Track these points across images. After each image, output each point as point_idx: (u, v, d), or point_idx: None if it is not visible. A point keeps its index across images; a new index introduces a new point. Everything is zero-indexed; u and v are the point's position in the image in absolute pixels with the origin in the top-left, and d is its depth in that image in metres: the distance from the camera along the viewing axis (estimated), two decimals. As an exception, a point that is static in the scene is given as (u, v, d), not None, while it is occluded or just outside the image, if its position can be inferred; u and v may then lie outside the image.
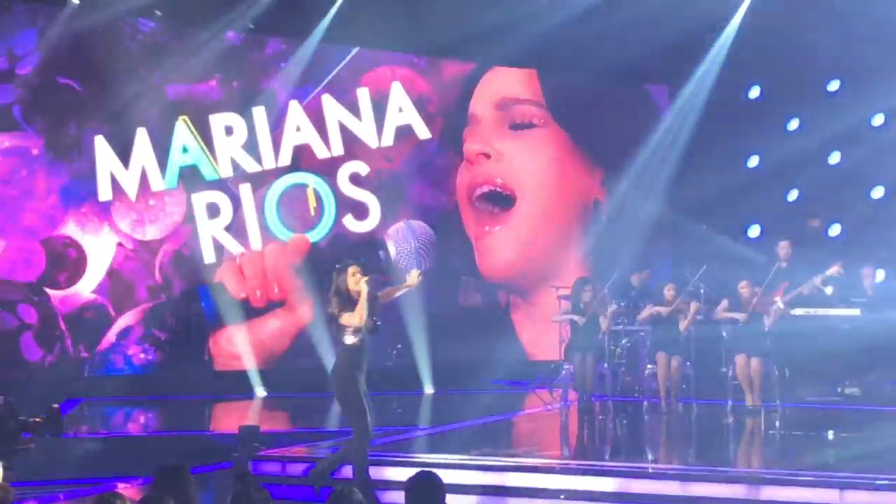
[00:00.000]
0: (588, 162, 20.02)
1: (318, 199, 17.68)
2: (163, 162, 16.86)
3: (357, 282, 9.78)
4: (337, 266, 10.01)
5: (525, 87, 19.67)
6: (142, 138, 16.66)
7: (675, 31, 17.60)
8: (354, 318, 9.77)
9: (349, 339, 9.84)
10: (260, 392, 16.66)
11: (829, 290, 15.62)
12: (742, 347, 14.13)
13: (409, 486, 5.98)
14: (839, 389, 15.56)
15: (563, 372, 15.18)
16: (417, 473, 6.11)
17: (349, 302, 9.82)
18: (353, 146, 18.05)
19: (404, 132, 18.40)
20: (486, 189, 19.20)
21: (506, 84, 19.54)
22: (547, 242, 19.49)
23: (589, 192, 20.01)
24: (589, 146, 19.77)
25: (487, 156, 19.19)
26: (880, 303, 15.68)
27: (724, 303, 14.64)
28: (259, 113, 17.35)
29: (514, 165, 19.40)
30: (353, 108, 18.10)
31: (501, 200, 19.31)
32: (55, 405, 7.88)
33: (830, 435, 13.06)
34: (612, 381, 15.31)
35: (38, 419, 7.81)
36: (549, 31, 17.95)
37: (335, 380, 10.04)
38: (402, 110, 18.39)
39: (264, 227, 17.36)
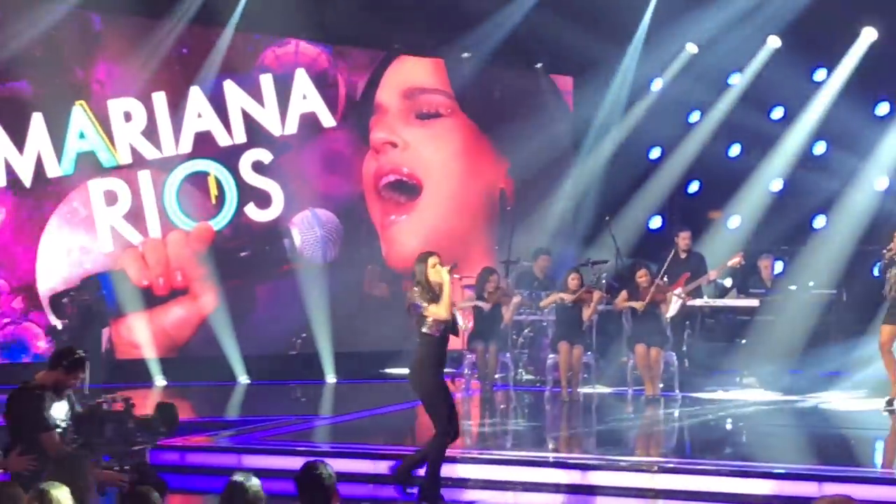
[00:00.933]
0: (494, 152, 20.04)
1: (220, 187, 17.49)
2: (59, 148, 16.55)
3: (438, 273, 9.43)
4: (418, 257, 9.68)
5: (432, 77, 19.64)
6: (37, 123, 16.33)
7: (584, 22, 17.71)
8: (441, 310, 9.32)
9: (430, 330, 9.42)
10: (160, 381, 16.47)
11: (728, 281, 15.82)
12: (642, 337, 14.25)
13: (300, 476, 5.94)
14: (737, 379, 15.75)
15: (466, 361, 15.22)
16: (307, 463, 6.08)
17: (431, 293, 9.41)
18: (255, 133, 17.88)
19: (308, 120, 18.28)
20: (392, 178, 19.15)
21: (413, 73, 19.48)
22: (453, 232, 19.47)
23: (495, 181, 20.04)
24: (496, 136, 19.79)
25: (394, 145, 19.14)
26: (778, 293, 15.91)
27: (624, 293, 14.76)
28: (159, 98, 17.12)
29: (420, 154, 19.37)
30: (256, 95, 17.87)
31: (407, 189, 19.27)
32: (167, 401, 8.20)
33: (728, 425, 13.21)
34: (514, 370, 15.36)
35: (151, 417, 8.02)
36: (457, 21, 17.97)
37: (416, 372, 9.62)
38: (307, 98, 18.23)
39: (164, 216, 17.14)
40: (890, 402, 13.26)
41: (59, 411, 8.14)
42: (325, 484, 5.86)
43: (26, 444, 7.94)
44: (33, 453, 7.86)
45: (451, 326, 9.56)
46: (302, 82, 18.21)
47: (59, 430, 8.07)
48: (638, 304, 14.31)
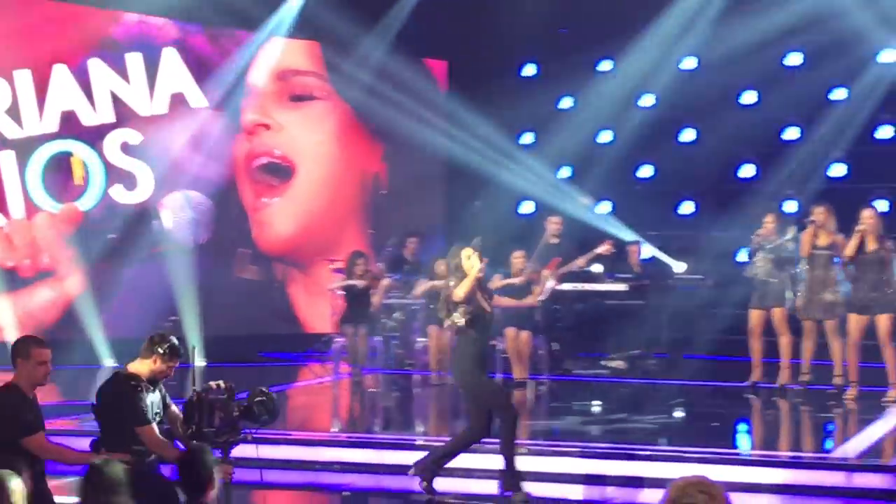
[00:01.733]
0: (369, 136, 20.00)
1: (85, 167, 17.20)
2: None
3: (470, 262, 9.30)
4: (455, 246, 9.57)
5: (306, 59, 19.52)
6: None
7: (455, 5, 17.78)
8: (459, 290, 9.22)
9: (459, 320, 9.32)
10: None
11: (597, 267, 15.98)
12: (512, 321, 14.33)
13: (181, 460, 5.91)
14: (604, 363, 15.94)
15: (335, 345, 15.20)
16: (190, 447, 6.07)
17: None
18: (123, 113, 17.59)
19: (178, 100, 18.05)
20: (264, 160, 19.01)
21: (287, 55, 19.33)
22: (325, 215, 19.42)
23: (369, 165, 20.02)
24: (370, 120, 19.72)
25: (267, 127, 19.00)
26: (646, 278, 16.13)
27: (498, 276, 14.81)
28: (23, 76, 16.77)
29: (293, 137, 19.26)
30: (124, 74, 17.60)
31: (280, 172, 19.15)
32: (266, 388, 7.47)
33: (595, 408, 13.37)
34: (385, 353, 15.38)
35: (252, 405, 7.39)
36: (332, 3, 17.88)
37: (455, 364, 9.74)
38: (176, 77, 18.02)
39: (27, 196, 16.81)
40: (753, 385, 13.57)
41: (153, 403, 7.60)
42: (204, 470, 5.81)
43: (120, 439, 7.39)
44: (127, 449, 7.30)
45: (481, 317, 9.40)
46: (171, 61, 17.97)
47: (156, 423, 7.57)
48: (517, 279, 14.34)
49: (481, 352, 9.48)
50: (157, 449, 7.42)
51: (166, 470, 7.62)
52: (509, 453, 9.37)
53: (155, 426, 7.50)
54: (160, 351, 7.58)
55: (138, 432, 7.40)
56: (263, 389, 7.46)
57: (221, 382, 7.37)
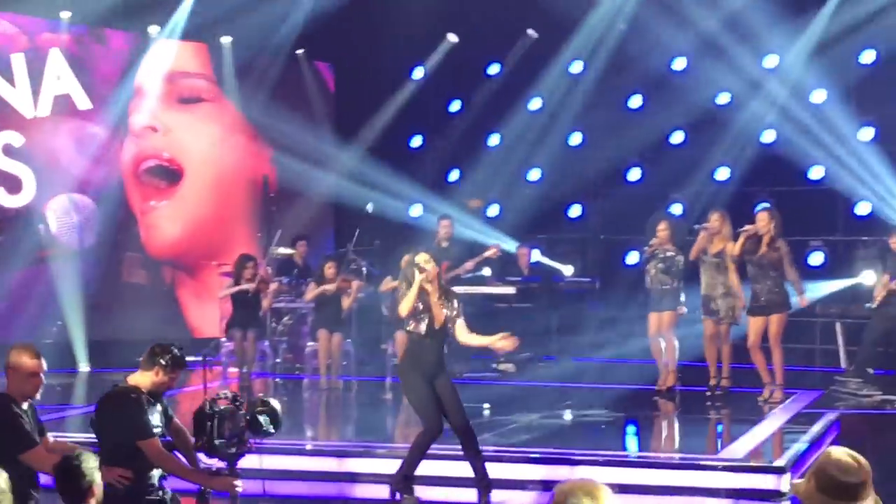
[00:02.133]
0: (258, 138, 19.88)
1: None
2: None
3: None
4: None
5: (195, 61, 19.36)
6: None
7: (345, 9, 17.77)
8: (402, 306, 9.41)
9: (408, 327, 9.47)
10: None
11: (486, 270, 16.07)
12: (402, 324, 14.31)
13: (59, 466, 5.80)
14: (494, 366, 16.03)
15: (223, 349, 15.10)
16: (68, 454, 5.94)
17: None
18: (5, 115, 17.28)
19: (63, 102, 17.78)
20: (152, 163, 18.81)
21: (175, 57, 19.13)
22: (214, 218, 19.26)
23: (258, 168, 19.89)
24: (259, 122, 19.62)
25: (154, 129, 18.80)
26: (535, 281, 16.25)
27: (388, 278, 14.83)
28: None
29: (181, 140, 19.08)
30: (6, 75, 17.28)
31: (168, 175, 18.96)
32: (266, 398, 7.19)
33: (486, 410, 13.41)
34: (273, 357, 15.31)
35: (256, 416, 7.08)
36: (222, 5, 17.77)
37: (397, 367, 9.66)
38: (61, 79, 17.74)
39: None
40: (659, 389, 13.74)
41: (155, 416, 7.22)
42: (83, 478, 5.72)
43: (121, 454, 7.01)
44: (128, 464, 6.98)
45: (431, 327, 9.45)
46: (56, 63, 17.70)
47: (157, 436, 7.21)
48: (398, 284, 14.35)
49: (416, 358, 9.57)
50: (161, 462, 7.12)
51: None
52: (411, 459, 9.40)
53: (158, 441, 7.18)
54: (162, 362, 7.21)
55: (141, 446, 7.07)
56: (266, 400, 7.24)
57: (228, 392, 7.19)
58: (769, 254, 12.82)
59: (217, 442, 6.99)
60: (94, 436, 7.22)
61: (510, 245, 17.18)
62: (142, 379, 7.26)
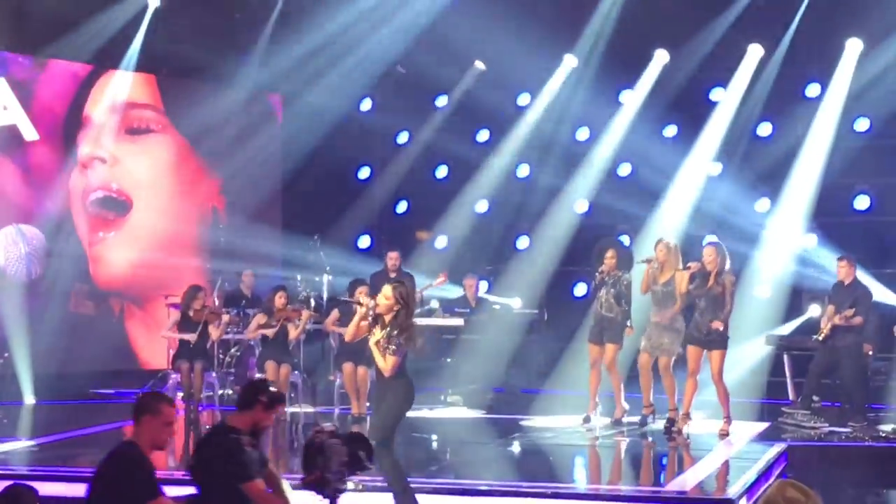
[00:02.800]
0: (207, 168, 19.84)
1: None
2: None
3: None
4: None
5: (143, 92, 19.27)
6: None
7: (287, 41, 17.82)
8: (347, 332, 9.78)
9: None
10: None
11: (433, 302, 16.09)
12: (350, 356, 14.33)
13: (2, 499, 5.79)
14: (442, 397, 16.01)
15: (170, 381, 15.02)
16: (10, 486, 5.92)
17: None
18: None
19: (8, 132, 17.64)
20: (100, 194, 18.71)
21: (123, 88, 19.05)
22: (163, 249, 19.12)
23: (207, 198, 19.84)
24: (207, 153, 19.56)
25: (102, 160, 18.70)
26: (482, 313, 16.28)
27: (335, 313, 14.84)
28: None
29: (130, 171, 18.99)
30: (-49, 106, 17.18)
31: (116, 206, 18.86)
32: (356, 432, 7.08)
33: (433, 443, 13.41)
34: (221, 389, 15.24)
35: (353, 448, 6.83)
36: (169, 37, 17.75)
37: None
38: (7, 109, 17.61)
39: None
40: (587, 419, 13.76)
41: (254, 456, 7.01)
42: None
43: (223, 498, 6.83)
44: None
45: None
46: (2, 92, 17.58)
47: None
48: (345, 331, 14.40)
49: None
50: None
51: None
52: None
53: (261, 482, 6.96)
54: (263, 400, 7.02)
55: (244, 489, 6.85)
56: (359, 434, 7.13)
57: (330, 425, 7.08)
58: (715, 288, 12.89)
59: (328, 476, 6.74)
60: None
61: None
62: (241, 420, 7.04)
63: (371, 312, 9.37)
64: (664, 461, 12.50)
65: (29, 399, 16.65)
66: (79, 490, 10.07)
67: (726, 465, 11.47)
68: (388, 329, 9.25)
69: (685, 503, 9.76)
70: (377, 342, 9.22)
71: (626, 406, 13.82)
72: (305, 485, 6.87)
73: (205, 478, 6.97)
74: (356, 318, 9.45)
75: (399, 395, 9.40)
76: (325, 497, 6.81)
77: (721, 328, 12.89)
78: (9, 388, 16.55)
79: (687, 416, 13.16)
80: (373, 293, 14.64)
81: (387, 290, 9.37)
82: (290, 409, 14.70)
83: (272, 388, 7.17)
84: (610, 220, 18.14)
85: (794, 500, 4.34)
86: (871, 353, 14.58)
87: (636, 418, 13.70)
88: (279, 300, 14.77)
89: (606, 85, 18.57)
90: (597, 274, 13.81)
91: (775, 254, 17.42)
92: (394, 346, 9.18)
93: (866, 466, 12.18)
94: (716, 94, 18.46)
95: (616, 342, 13.67)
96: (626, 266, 13.84)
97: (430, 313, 15.95)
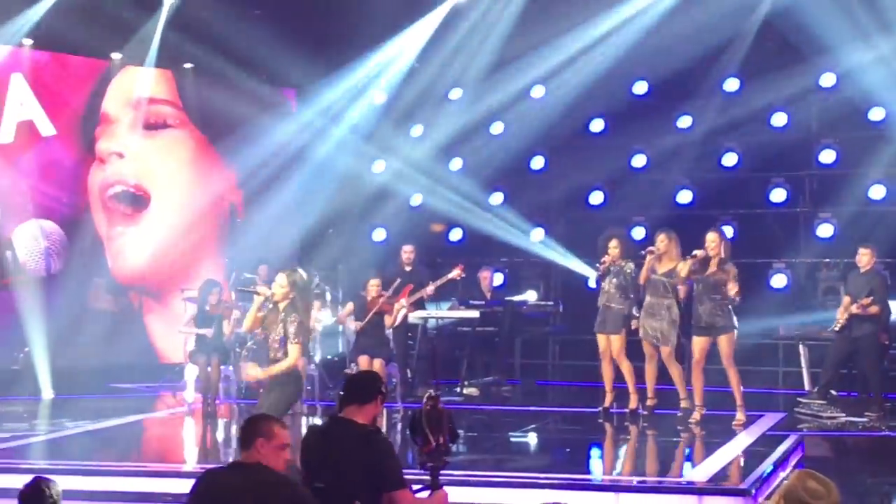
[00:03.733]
0: (224, 164, 19.90)
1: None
2: None
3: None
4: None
5: (161, 87, 19.35)
6: None
7: (305, 35, 17.83)
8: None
9: None
10: None
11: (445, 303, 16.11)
12: (366, 349, 14.38)
13: (25, 494, 5.83)
14: (458, 390, 16.07)
15: (187, 374, 15.08)
16: (34, 480, 5.96)
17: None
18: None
19: (26, 128, 17.70)
20: (118, 189, 18.79)
21: (141, 83, 19.15)
22: (181, 244, 19.22)
23: (225, 194, 19.91)
24: (224, 148, 19.63)
25: (120, 155, 18.79)
26: (498, 305, 16.30)
27: (350, 306, 14.88)
28: None
29: (148, 166, 19.08)
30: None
31: (135, 201, 18.95)
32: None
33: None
34: (237, 382, 15.30)
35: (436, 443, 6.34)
36: (188, 32, 17.79)
37: None
38: (24, 104, 17.69)
39: None
40: (605, 411, 13.77)
41: None
42: (48, 502, 5.77)
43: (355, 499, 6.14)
44: None
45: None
46: (19, 88, 17.66)
47: None
48: (356, 325, 14.52)
49: None
50: None
51: None
52: None
53: (410, 491, 6.30)
54: (383, 390, 6.54)
55: (393, 498, 6.21)
56: (452, 426, 6.50)
57: (432, 392, 6.48)
58: (717, 274, 12.88)
59: (445, 445, 6.36)
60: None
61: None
62: (363, 414, 6.40)
63: (269, 303, 9.50)
64: (679, 452, 12.50)
65: (47, 393, 16.74)
66: (97, 484, 10.24)
67: (742, 455, 11.45)
68: (283, 315, 9.50)
69: (700, 494, 9.73)
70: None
71: (655, 399, 13.70)
72: (428, 455, 6.41)
73: (342, 482, 6.22)
74: (253, 308, 9.62)
75: (290, 387, 9.76)
76: (433, 470, 6.45)
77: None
78: (28, 382, 16.66)
79: (701, 406, 13.15)
80: (385, 288, 14.78)
81: (280, 277, 9.52)
82: (306, 403, 14.74)
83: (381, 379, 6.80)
84: (625, 211, 18.09)
85: (815, 492, 4.34)
86: (888, 342, 14.53)
87: (647, 408, 13.66)
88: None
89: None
90: (598, 264, 13.80)
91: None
92: (293, 336, 9.48)
93: (883, 456, 12.17)
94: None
95: (619, 332, 13.62)
96: (631, 256, 13.82)
97: (444, 305, 15.96)
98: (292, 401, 9.65)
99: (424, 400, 6.46)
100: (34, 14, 17.07)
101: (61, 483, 6.08)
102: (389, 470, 6.23)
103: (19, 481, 6.47)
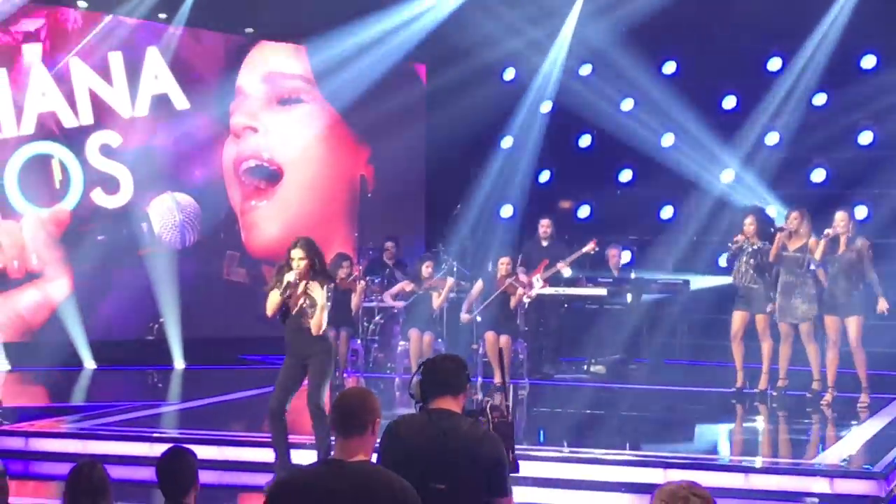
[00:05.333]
0: (355, 138, 20.05)
1: (64, 171, 17.12)
2: None
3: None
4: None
5: (293, 62, 19.55)
6: None
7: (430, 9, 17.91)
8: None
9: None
10: (3, 365, 16.15)
11: (567, 272, 16.02)
12: (493, 325, 14.40)
13: (161, 462, 5.93)
14: (585, 367, 16.02)
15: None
16: (170, 449, 6.05)
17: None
18: (103, 114, 17.50)
19: (161, 101, 18.01)
20: (252, 163, 19.04)
21: (274, 59, 19.38)
22: (313, 218, 19.40)
23: (356, 168, 20.05)
24: (356, 123, 19.77)
25: (254, 129, 19.04)
26: (625, 283, 16.20)
27: (480, 283, 14.89)
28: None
29: (281, 140, 19.30)
30: (105, 75, 17.47)
31: (268, 175, 19.19)
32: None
33: (575, 412, 13.40)
34: (365, 357, 15.44)
35: None
36: (319, 7, 17.91)
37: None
38: (158, 78, 17.97)
39: (4, 200, 16.68)
40: (738, 391, 13.62)
41: None
42: (186, 471, 5.86)
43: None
44: None
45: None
46: (154, 62, 17.97)
47: None
48: (467, 318, 14.59)
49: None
50: None
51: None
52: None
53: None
54: (471, 380, 5.86)
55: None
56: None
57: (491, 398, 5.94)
58: (846, 254, 12.69)
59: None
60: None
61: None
62: (457, 404, 5.67)
63: (297, 279, 9.53)
64: (809, 434, 12.32)
65: (179, 364, 17.07)
66: (231, 454, 10.42)
67: (874, 439, 11.25)
68: (308, 283, 9.64)
69: (832, 476, 9.57)
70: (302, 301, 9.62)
71: (786, 380, 13.51)
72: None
73: (463, 483, 5.51)
74: (275, 295, 9.72)
75: (327, 353, 9.86)
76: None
77: (884, 309, 12.67)
78: (161, 353, 17.01)
79: (833, 388, 12.95)
80: (525, 261, 14.81)
81: (296, 251, 9.58)
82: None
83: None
84: (754, 192, 17.85)
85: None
86: None
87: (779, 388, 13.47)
88: (426, 269, 14.93)
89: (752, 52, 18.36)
90: (730, 245, 13.63)
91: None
92: (322, 298, 9.63)
93: None
94: None
95: (763, 312, 13.46)
96: (766, 235, 13.62)
97: (572, 282, 15.89)
98: (331, 367, 9.88)
99: (487, 408, 5.82)
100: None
101: (197, 452, 6.17)
102: (502, 476, 5.54)
103: (156, 450, 6.61)
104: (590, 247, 15.59)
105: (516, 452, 5.84)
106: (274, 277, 9.84)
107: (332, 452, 4.86)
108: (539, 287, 14.97)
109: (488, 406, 5.83)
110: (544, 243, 15.72)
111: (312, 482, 4.71)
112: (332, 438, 5.53)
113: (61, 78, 17.14)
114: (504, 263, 14.57)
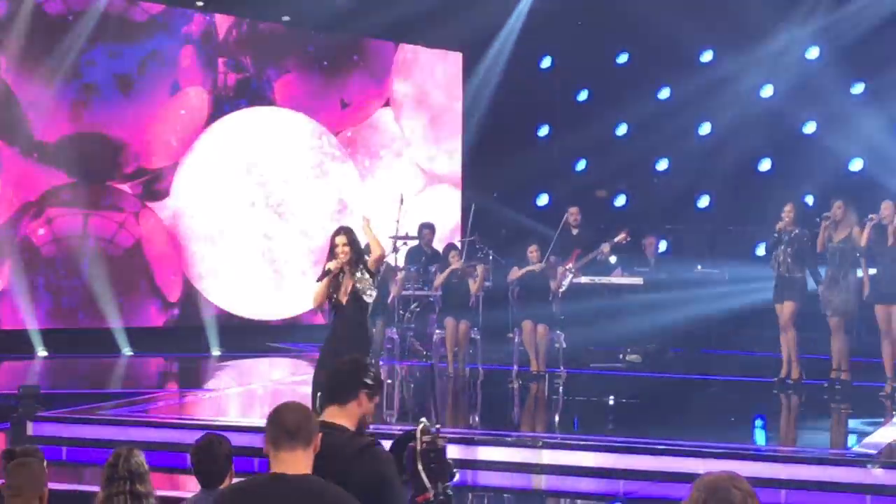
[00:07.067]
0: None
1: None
2: None
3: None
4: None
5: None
6: None
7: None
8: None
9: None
10: (41, 352, 16.16)
11: (612, 258, 15.99)
12: (528, 313, 14.35)
13: (197, 449, 5.91)
14: (621, 356, 15.96)
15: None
16: (205, 436, 6.04)
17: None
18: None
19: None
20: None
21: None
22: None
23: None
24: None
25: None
26: (661, 272, 16.13)
27: (515, 269, 14.84)
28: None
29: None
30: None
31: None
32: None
33: (612, 401, 13.36)
34: (401, 345, 15.41)
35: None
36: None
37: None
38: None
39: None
40: (782, 381, 13.52)
41: None
42: (221, 458, 5.85)
43: None
44: None
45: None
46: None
47: None
48: (537, 266, 14.44)
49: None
50: None
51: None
52: None
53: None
54: (369, 383, 5.16)
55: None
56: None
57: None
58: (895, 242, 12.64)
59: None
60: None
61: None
62: (346, 416, 5.13)
63: (342, 266, 9.52)
64: (851, 423, 12.23)
65: (215, 351, 17.12)
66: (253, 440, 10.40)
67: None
68: (356, 269, 9.60)
69: (872, 467, 9.48)
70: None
71: (847, 371, 13.37)
72: None
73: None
74: (322, 285, 9.58)
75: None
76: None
77: None
78: (190, 340, 17.06)
79: (893, 379, 12.83)
80: (558, 247, 14.78)
81: (339, 238, 9.52)
82: (469, 366, 14.76)
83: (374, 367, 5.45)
84: (795, 181, 17.71)
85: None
86: None
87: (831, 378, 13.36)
88: (454, 259, 14.87)
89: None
90: (775, 233, 13.53)
91: None
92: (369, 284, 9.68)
93: None
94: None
95: (795, 300, 13.36)
96: (806, 223, 13.53)
97: (607, 271, 15.83)
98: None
99: (418, 433, 5.15)
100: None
101: (231, 439, 6.12)
102: (391, 499, 4.93)
103: (191, 437, 6.58)
104: (622, 236, 15.51)
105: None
106: (324, 268, 9.75)
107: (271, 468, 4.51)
108: (571, 277, 14.91)
109: (420, 428, 5.17)
110: (574, 231, 15.63)
111: (261, 494, 4.48)
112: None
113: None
114: (532, 251, 14.53)
